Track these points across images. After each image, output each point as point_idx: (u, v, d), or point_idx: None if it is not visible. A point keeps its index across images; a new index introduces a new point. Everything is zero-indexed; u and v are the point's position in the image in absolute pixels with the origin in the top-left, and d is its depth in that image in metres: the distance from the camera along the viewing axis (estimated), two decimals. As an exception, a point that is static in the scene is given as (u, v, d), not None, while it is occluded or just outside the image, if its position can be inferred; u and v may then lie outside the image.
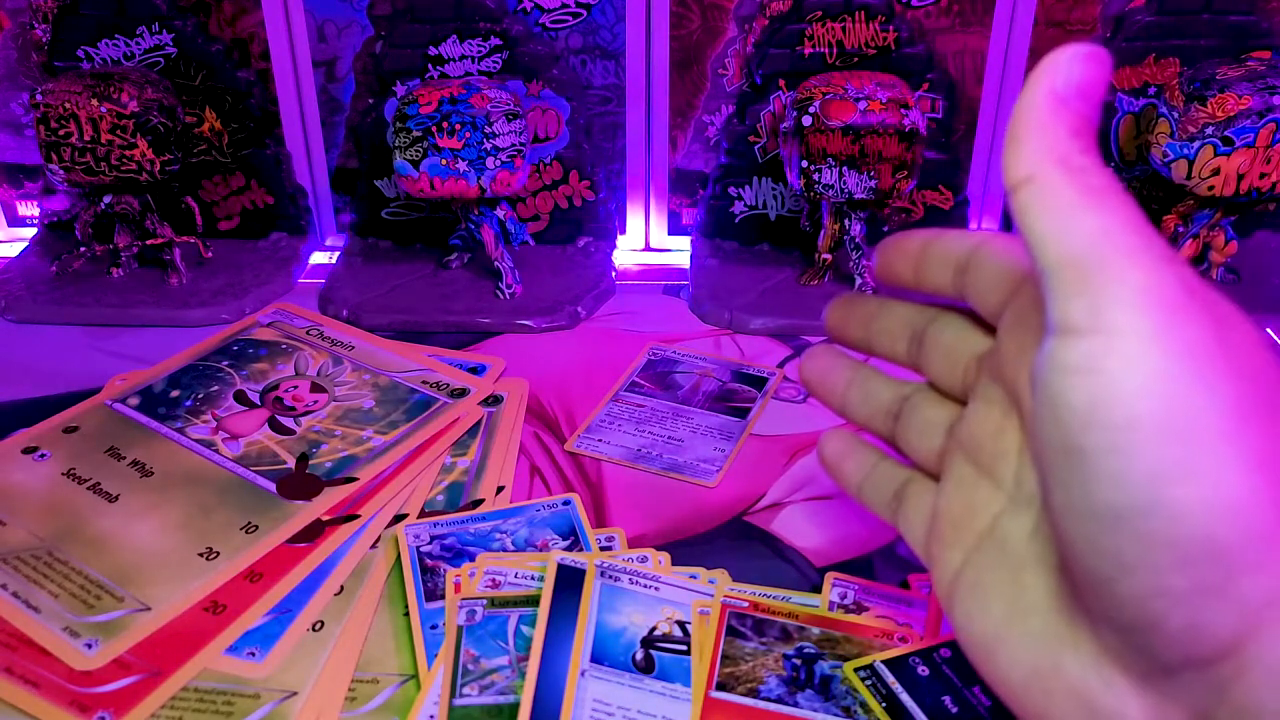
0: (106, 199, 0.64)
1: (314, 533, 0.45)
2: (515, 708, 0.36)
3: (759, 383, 0.58)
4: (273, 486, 0.48)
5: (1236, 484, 0.20)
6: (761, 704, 0.37)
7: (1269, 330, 0.62)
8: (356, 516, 0.46)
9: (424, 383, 0.56)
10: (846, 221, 0.63)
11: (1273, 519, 0.20)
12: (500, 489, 0.49)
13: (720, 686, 0.37)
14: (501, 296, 0.65)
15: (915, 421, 0.31)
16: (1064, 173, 0.21)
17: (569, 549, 0.45)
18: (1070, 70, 0.22)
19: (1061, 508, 0.22)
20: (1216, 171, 0.58)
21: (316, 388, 0.56)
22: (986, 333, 0.29)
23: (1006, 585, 0.25)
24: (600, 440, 0.53)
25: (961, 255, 0.28)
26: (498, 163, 0.61)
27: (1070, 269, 0.21)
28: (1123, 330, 0.20)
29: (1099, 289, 0.20)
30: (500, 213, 0.65)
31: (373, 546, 0.45)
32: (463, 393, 0.55)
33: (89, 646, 0.40)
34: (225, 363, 0.58)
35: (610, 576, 0.41)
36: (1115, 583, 0.21)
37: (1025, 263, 0.26)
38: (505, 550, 0.45)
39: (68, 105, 0.61)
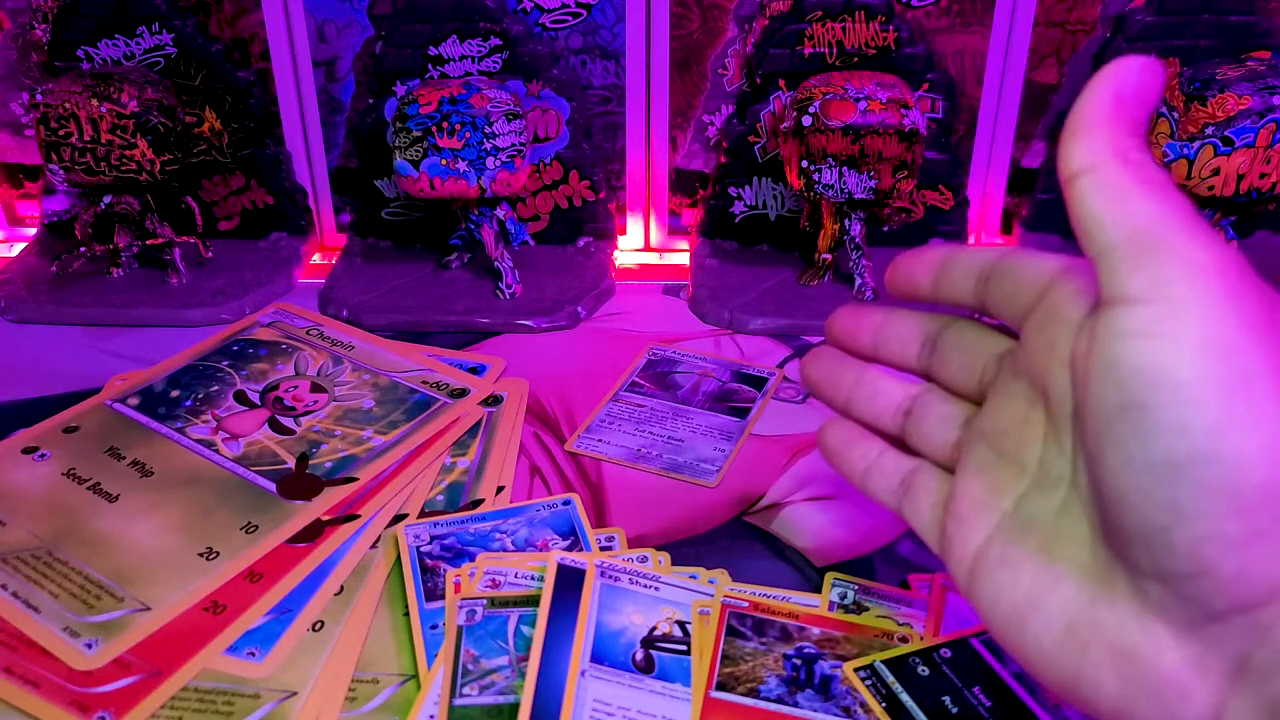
0: (106, 199, 0.64)
1: (314, 533, 0.45)
2: (515, 708, 0.36)
3: (759, 383, 0.58)
4: (273, 486, 0.48)
5: None
6: (761, 704, 0.37)
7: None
8: (356, 516, 0.46)
9: (424, 383, 0.56)
10: (846, 221, 0.63)
11: None
12: (500, 489, 0.49)
13: (720, 686, 0.37)
14: (501, 296, 0.65)
15: (930, 416, 0.33)
16: (1123, 164, 0.24)
17: (569, 549, 0.45)
18: (1132, 76, 0.24)
19: (1117, 466, 0.23)
20: (1216, 172, 0.58)
21: (316, 388, 0.56)
22: (1002, 335, 0.31)
23: (1036, 557, 0.27)
24: (600, 440, 0.53)
25: (983, 267, 0.30)
26: (498, 163, 0.61)
27: (1128, 247, 0.23)
28: (1184, 300, 0.22)
29: (1159, 265, 0.23)
30: (500, 213, 0.65)
31: (373, 546, 0.45)
32: (463, 393, 0.55)
33: (89, 646, 0.40)
34: (225, 363, 0.58)
35: (610, 576, 0.41)
36: (1170, 531, 0.22)
37: (1052, 268, 0.28)
38: (505, 550, 0.45)
39: (68, 105, 0.61)
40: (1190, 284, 0.22)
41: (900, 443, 0.34)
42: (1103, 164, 0.24)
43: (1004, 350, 0.30)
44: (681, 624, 0.40)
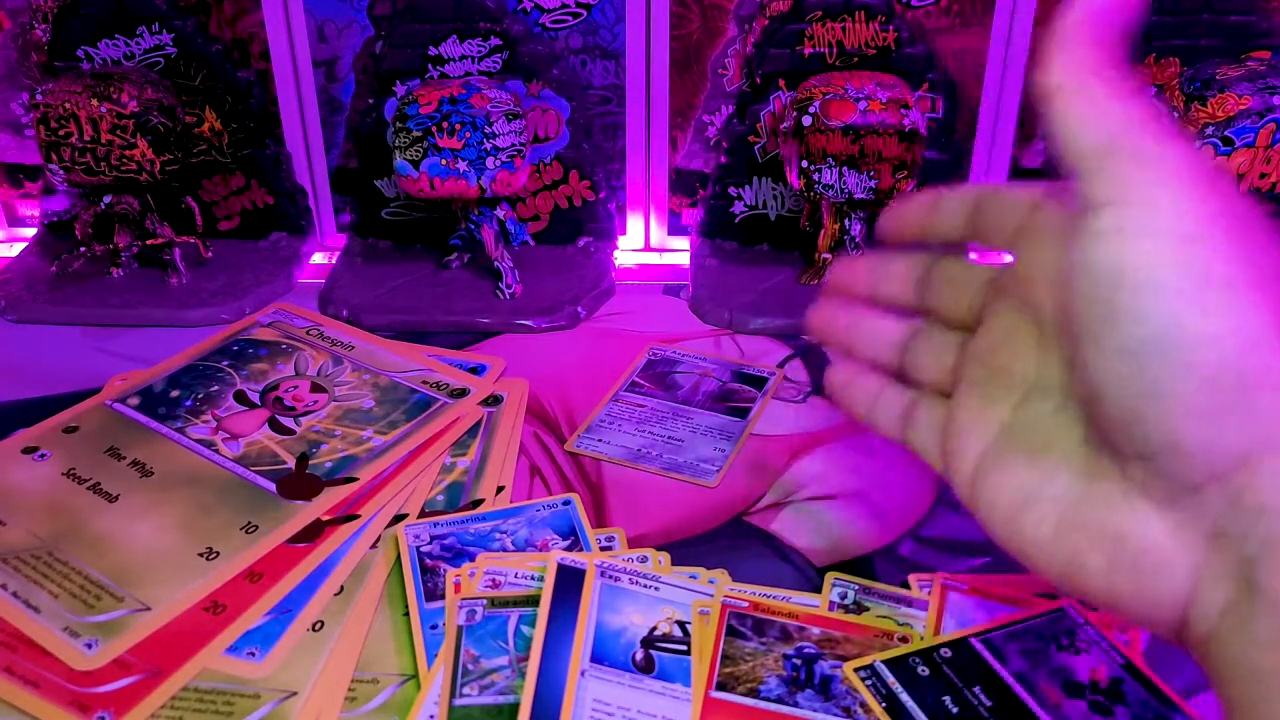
0: (106, 199, 0.64)
1: (314, 533, 0.45)
2: (515, 708, 0.36)
3: (759, 383, 0.58)
4: (273, 486, 0.48)
5: (1251, 319, 0.23)
6: (761, 704, 0.37)
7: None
8: (356, 516, 0.46)
9: (424, 383, 0.56)
10: (846, 221, 0.63)
11: None
12: (500, 489, 0.49)
13: (720, 686, 0.37)
14: (501, 296, 0.65)
15: (927, 345, 0.34)
16: (1095, 79, 0.25)
17: (569, 549, 0.45)
18: None
19: (1095, 355, 0.26)
20: (1216, 171, 0.58)
21: (316, 388, 0.56)
22: (987, 267, 0.33)
23: (1031, 457, 0.29)
24: (600, 440, 0.53)
25: (974, 197, 0.33)
26: (498, 163, 0.61)
27: (1099, 153, 0.25)
28: (1152, 198, 0.24)
29: (1129, 168, 0.24)
30: (500, 213, 0.65)
31: (373, 546, 0.45)
32: (463, 393, 0.55)
33: (89, 646, 0.40)
34: (225, 363, 0.58)
35: (610, 576, 0.41)
36: (1143, 410, 0.25)
37: (1039, 191, 0.30)
38: (505, 550, 0.45)
39: (68, 105, 0.61)
40: (1157, 183, 0.24)
41: (902, 378, 0.36)
42: (1076, 79, 0.25)
43: (990, 277, 0.32)
44: (681, 624, 0.40)
